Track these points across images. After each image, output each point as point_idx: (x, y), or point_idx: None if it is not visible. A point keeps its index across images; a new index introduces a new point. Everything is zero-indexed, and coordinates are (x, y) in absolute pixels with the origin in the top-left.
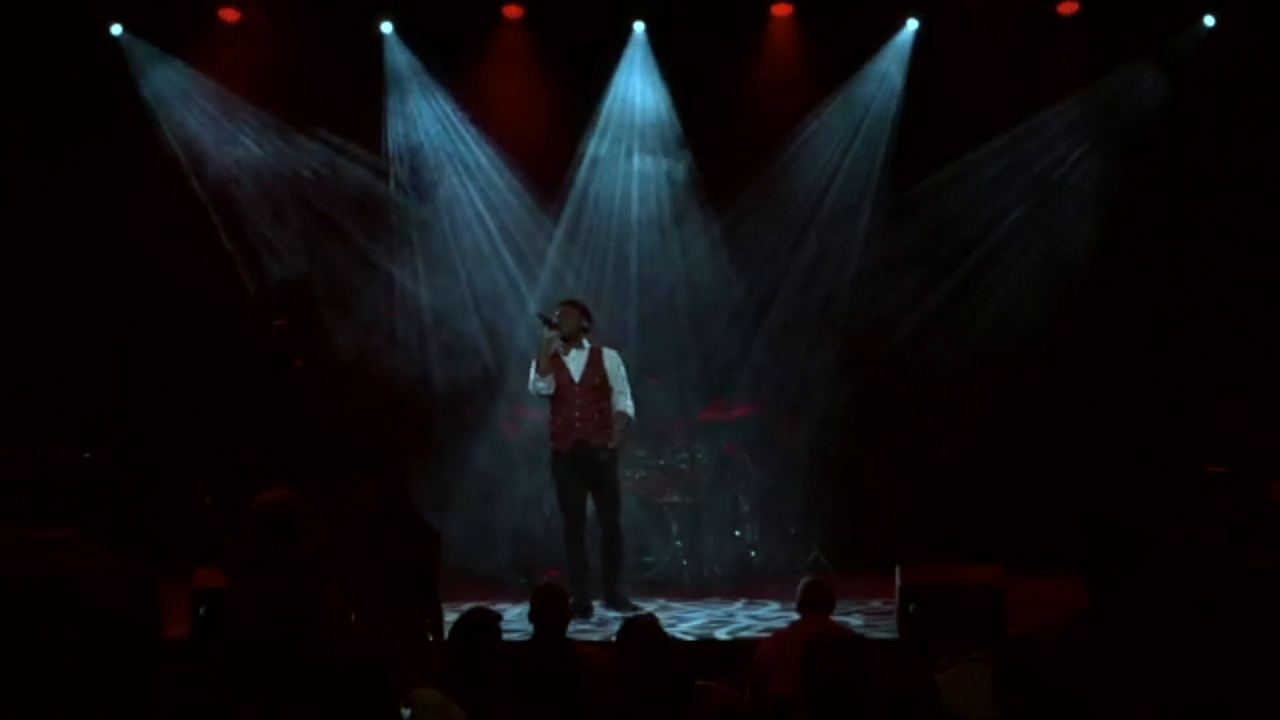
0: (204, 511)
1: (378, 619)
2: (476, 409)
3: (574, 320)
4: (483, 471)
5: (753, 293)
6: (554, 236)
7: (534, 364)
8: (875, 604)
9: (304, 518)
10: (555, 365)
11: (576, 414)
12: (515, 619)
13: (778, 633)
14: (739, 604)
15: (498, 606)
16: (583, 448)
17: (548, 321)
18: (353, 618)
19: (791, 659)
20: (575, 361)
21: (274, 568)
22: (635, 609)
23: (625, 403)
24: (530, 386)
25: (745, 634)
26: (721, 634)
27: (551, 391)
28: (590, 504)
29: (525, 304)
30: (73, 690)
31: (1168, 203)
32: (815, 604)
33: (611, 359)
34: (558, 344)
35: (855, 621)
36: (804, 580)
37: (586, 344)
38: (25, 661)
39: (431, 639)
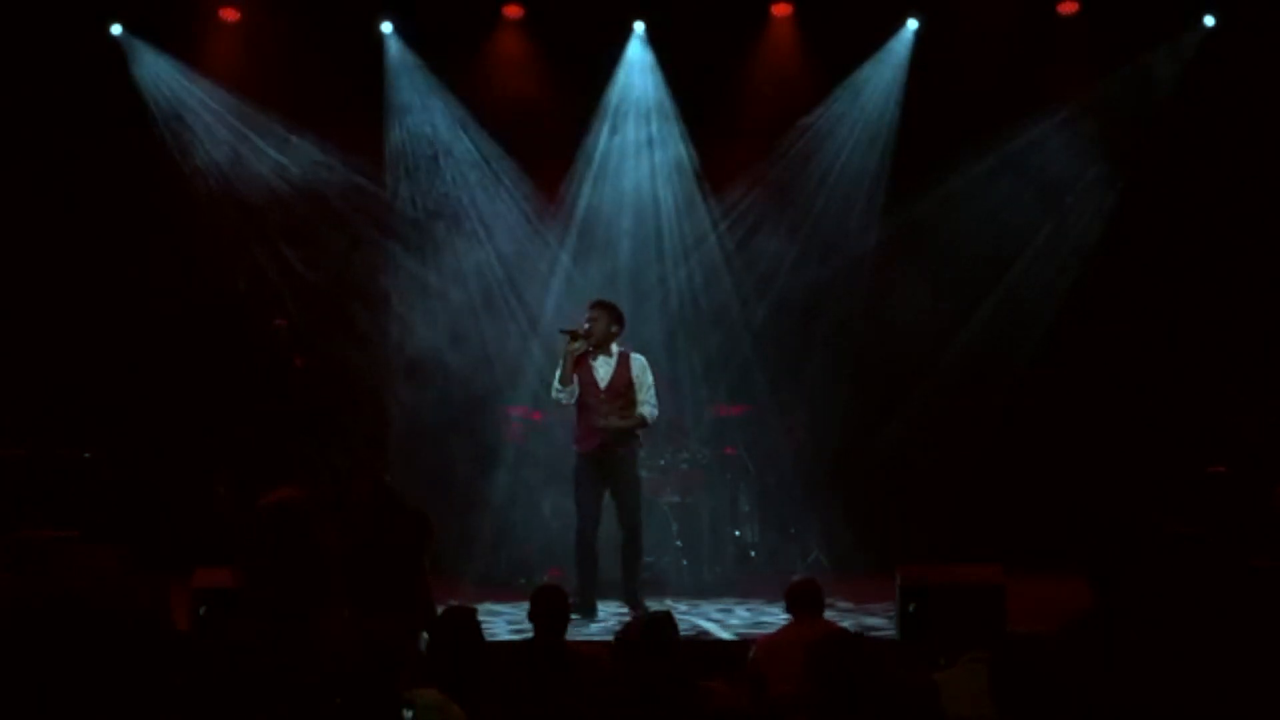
0: (218, 506)
1: (373, 617)
2: (478, 410)
3: (603, 325)
4: (484, 472)
5: (753, 293)
6: (556, 235)
7: (556, 374)
8: (858, 605)
9: (309, 518)
10: (580, 368)
11: (601, 420)
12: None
13: (772, 633)
14: (738, 604)
15: (498, 606)
16: (605, 452)
17: (571, 334)
18: (348, 616)
19: (787, 660)
20: (603, 367)
21: (280, 568)
22: (647, 609)
23: (646, 409)
24: (552, 395)
25: (745, 634)
26: (721, 634)
27: (572, 401)
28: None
29: (526, 303)
30: (89, 688)
31: (1168, 203)
32: (805, 604)
33: (638, 364)
34: (580, 347)
35: (855, 621)
36: (792, 580)
37: (616, 349)
38: (44, 671)
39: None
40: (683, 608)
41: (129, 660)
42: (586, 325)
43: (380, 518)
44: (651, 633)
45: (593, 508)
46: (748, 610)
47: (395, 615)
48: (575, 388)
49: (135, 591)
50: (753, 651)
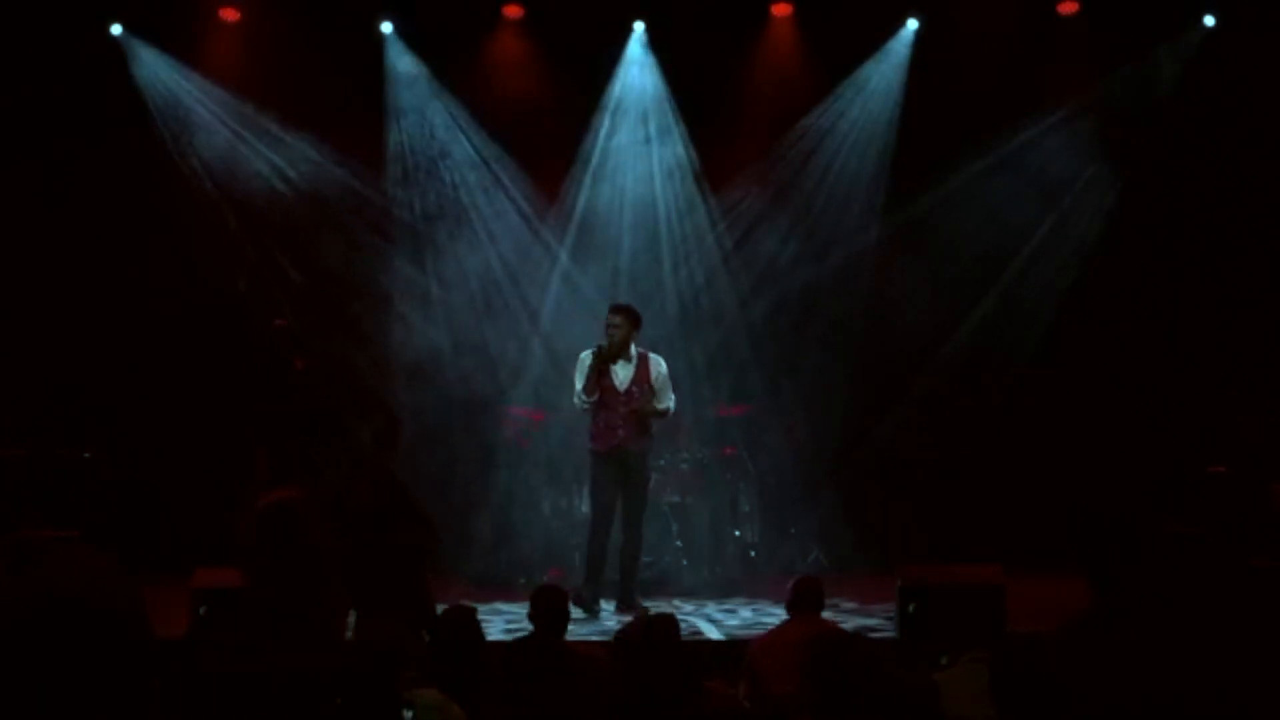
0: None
1: (374, 617)
2: (478, 410)
3: (624, 332)
4: (484, 472)
5: (753, 293)
6: (556, 235)
7: (580, 382)
8: (858, 604)
9: (307, 519)
10: (603, 374)
11: (619, 420)
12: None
13: (768, 632)
14: (739, 604)
15: (498, 606)
16: (621, 451)
17: (597, 352)
18: (350, 617)
19: (784, 659)
20: (623, 369)
21: (280, 568)
22: (645, 609)
23: (665, 404)
24: (575, 401)
25: (744, 634)
26: (721, 634)
27: (592, 407)
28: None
29: (527, 303)
30: (68, 696)
31: (1168, 203)
32: (805, 602)
33: (656, 365)
34: (605, 357)
35: (855, 621)
36: (794, 579)
37: (635, 350)
38: (22, 672)
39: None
40: (689, 608)
41: (122, 661)
42: (610, 334)
43: (383, 519)
44: (652, 633)
45: (609, 507)
46: (751, 611)
47: (396, 615)
48: (596, 394)
49: (127, 593)
50: (749, 650)
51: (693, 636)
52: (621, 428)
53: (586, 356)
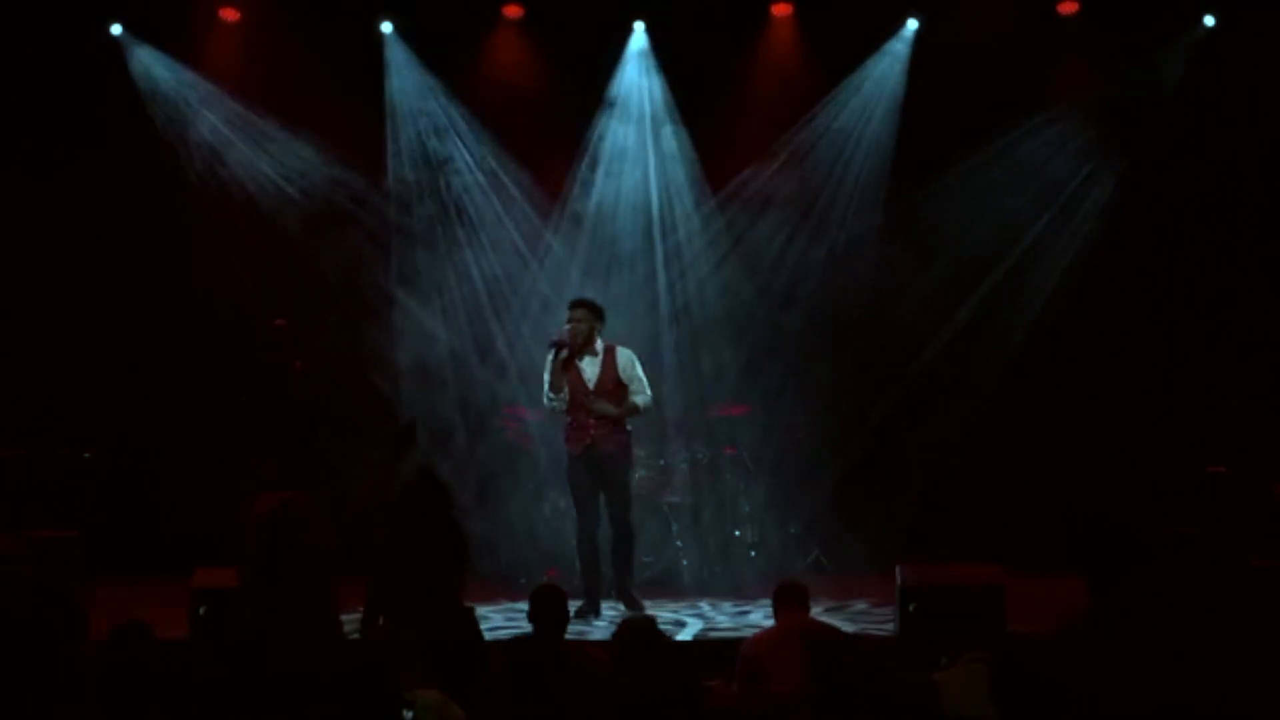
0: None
1: (388, 617)
2: (478, 410)
3: (586, 326)
4: (482, 472)
5: (753, 293)
6: (556, 234)
7: (546, 381)
8: (860, 605)
9: (309, 520)
10: (568, 371)
11: (592, 418)
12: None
13: (759, 633)
14: (738, 604)
15: (498, 606)
16: (596, 450)
17: (557, 346)
18: (354, 615)
19: (779, 657)
20: (590, 366)
21: (279, 570)
22: (643, 607)
23: (640, 399)
24: (545, 401)
25: (744, 634)
26: (721, 634)
27: (565, 406)
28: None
29: (526, 303)
30: None
31: (1168, 202)
32: (788, 599)
33: (625, 358)
34: (565, 354)
35: (855, 621)
36: (779, 583)
37: (600, 345)
38: None
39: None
40: (682, 608)
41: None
42: (568, 327)
43: (408, 521)
44: (651, 633)
45: (590, 511)
46: (747, 610)
47: (416, 616)
48: (566, 392)
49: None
50: (741, 648)
51: (695, 636)
52: (594, 427)
53: (555, 355)
